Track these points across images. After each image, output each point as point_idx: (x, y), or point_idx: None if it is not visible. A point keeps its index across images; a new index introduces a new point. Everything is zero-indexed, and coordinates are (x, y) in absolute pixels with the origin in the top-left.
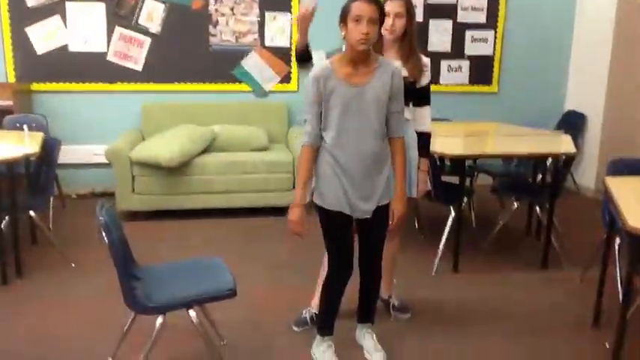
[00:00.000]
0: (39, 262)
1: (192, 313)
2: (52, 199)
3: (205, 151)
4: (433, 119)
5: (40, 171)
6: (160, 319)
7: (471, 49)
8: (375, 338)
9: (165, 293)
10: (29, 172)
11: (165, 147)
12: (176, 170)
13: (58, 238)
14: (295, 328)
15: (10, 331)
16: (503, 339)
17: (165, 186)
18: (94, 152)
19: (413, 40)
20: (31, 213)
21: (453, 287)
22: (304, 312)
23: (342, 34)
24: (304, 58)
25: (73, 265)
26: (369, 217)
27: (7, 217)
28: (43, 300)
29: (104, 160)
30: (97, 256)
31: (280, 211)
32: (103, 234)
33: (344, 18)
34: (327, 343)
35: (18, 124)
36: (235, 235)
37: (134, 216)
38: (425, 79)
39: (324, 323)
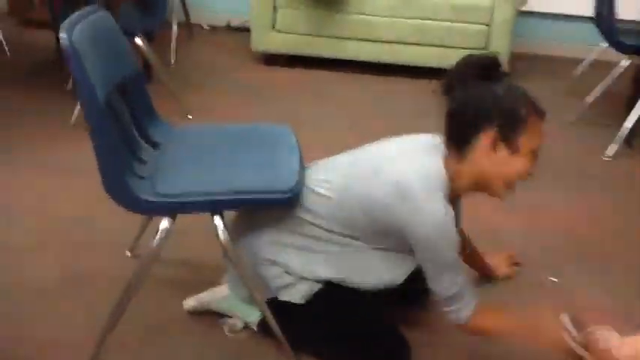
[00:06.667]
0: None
1: (217, 222)
2: (176, 27)
3: None
4: None
5: None
6: (164, 223)
7: None
8: None
9: (181, 181)
10: None
11: None
12: (330, 3)
13: (178, 76)
14: None
15: None
16: None
17: (314, 24)
18: None
19: None
20: (137, 40)
21: None
22: None
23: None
24: None
25: (190, 117)
26: None
27: None
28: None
29: None
30: (220, 102)
31: None
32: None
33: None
34: None
35: None
36: (389, 100)
37: (272, 60)
38: None
39: None
